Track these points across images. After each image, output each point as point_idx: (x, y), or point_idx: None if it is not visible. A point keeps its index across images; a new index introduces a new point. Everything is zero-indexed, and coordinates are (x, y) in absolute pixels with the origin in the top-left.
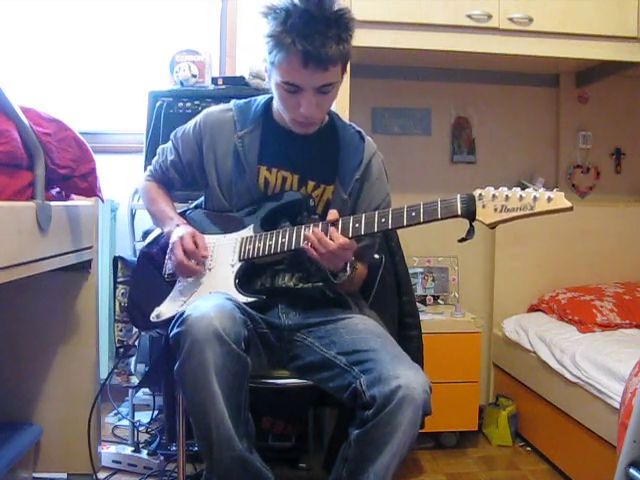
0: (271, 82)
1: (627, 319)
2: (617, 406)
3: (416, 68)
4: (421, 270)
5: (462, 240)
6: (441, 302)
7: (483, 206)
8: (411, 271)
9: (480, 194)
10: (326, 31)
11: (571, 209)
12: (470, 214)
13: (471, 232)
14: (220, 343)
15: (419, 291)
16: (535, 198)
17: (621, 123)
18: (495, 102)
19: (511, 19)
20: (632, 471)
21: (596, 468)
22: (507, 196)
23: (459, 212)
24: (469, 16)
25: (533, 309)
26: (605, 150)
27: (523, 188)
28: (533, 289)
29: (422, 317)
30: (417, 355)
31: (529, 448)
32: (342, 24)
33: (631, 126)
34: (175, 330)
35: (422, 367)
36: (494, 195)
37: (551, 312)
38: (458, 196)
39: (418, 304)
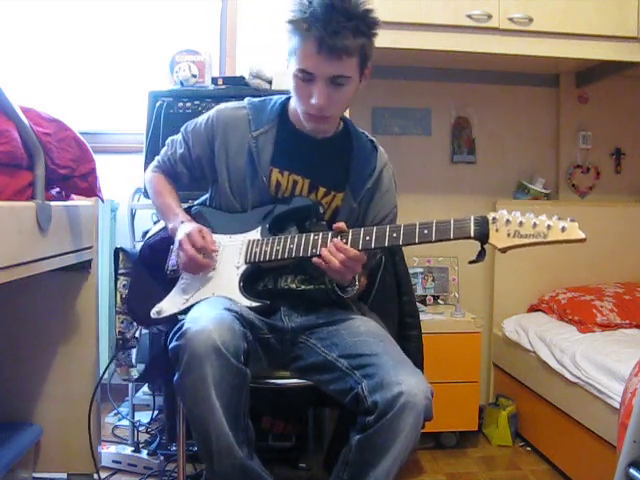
0: (290, 74)
1: (627, 319)
2: (617, 406)
3: (416, 68)
4: (421, 270)
5: (473, 262)
6: (441, 302)
7: (496, 230)
8: (411, 271)
9: (494, 217)
10: (344, 21)
11: (584, 240)
12: (483, 237)
13: (482, 254)
14: (219, 357)
15: (419, 291)
16: (549, 226)
17: (621, 123)
18: (495, 102)
19: (511, 19)
20: (632, 471)
21: (596, 468)
22: (521, 222)
23: (472, 234)
24: (469, 16)
25: (533, 309)
26: (605, 150)
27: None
28: (533, 289)
29: (422, 317)
30: (417, 355)
31: (529, 448)
32: (362, 18)
33: (631, 126)
34: (174, 343)
35: (422, 367)
36: (508, 220)
37: (551, 312)
38: (472, 218)
39: (418, 304)
